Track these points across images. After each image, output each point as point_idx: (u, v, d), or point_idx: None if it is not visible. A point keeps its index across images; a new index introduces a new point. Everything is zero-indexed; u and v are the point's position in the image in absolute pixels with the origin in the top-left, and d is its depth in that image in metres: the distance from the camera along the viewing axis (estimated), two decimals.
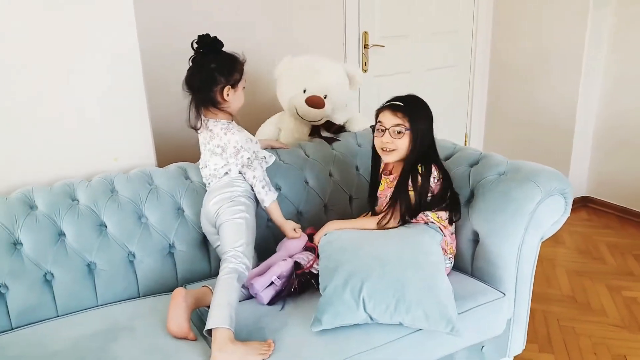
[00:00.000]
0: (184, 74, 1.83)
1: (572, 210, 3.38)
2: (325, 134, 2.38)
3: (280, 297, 1.68)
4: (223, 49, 1.78)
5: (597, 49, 3.25)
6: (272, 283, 1.69)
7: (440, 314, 1.51)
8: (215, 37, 1.77)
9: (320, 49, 2.69)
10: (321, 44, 2.97)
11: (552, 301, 2.52)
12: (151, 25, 2.37)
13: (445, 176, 1.78)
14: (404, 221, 1.74)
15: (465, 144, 3.85)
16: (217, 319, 1.48)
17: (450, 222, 1.79)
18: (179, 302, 1.54)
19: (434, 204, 1.74)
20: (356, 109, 3.20)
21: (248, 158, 1.79)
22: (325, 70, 2.34)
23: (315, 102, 2.26)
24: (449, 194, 1.77)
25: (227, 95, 1.76)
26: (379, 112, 1.80)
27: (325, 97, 2.28)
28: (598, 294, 2.56)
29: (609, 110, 3.35)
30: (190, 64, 1.78)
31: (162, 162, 2.12)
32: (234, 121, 1.83)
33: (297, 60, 2.38)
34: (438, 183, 1.75)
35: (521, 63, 3.55)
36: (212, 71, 1.73)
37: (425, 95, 1.81)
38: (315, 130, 2.37)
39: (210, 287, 1.63)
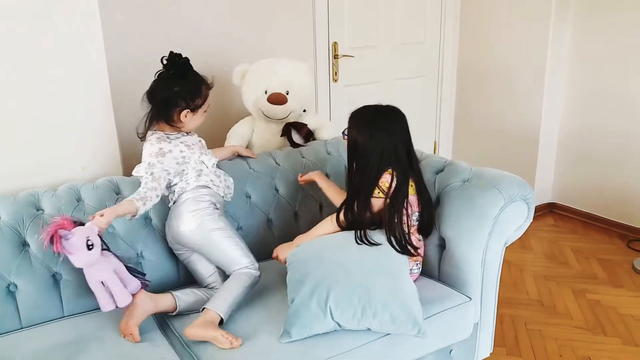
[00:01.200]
0: (150, 80, 1.83)
1: (539, 216, 3.49)
2: (295, 135, 2.40)
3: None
4: (192, 70, 1.79)
5: (559, 61, 3.36)
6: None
7: (407, 317, 1.54)
8: (187, 59, 1.78)
9: (291, 59, 2.71)
10: (292, 54, 2.97)
11: (520, 305, 2.57)
12: (118, 35, 2.37)
13: (397, 186, 1.72)
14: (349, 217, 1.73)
15: (434, 152, 3.92)
16: (218, 304, 1.60)
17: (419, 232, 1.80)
18: (136, 307, 1.58)
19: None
20: (327, 117, 3.24)
21: (136, 172, 1.77)
22: (284, 68, 2.40)
23: (276, 99, 2.31)
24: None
25: (185, 117, 1.78)
26: None
27: (287, 94, 2.32)
28: (563, 298, 2.63)
29: (572, 120, 3.45)
30: (156, 78, 1.79)
31: (128, 171, 2.10)
32: (175, 134, 1.81)
33: (255, 65, 2.42)
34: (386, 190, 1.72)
35: (487, 74, 3.64)
36: (175, 94, 1.74)
37: (394, 104, 1.82)
38: (286, 130, 2.39)
39: (174, 295, 1.64)
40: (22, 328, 1.68)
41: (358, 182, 1.75)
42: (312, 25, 3.07)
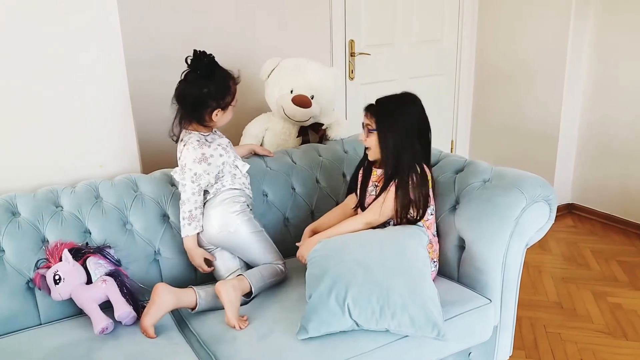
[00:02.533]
0: (169, 81, 1.82)
1: (558, 217, 3.42)
2: (312, 136, 2.38)
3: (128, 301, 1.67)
4: (219, 67, 1.77)
5: (579, 58, 3.30)
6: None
7: (426, 319, 1.51)
8: (212, 57, 1.75)
9: (308, 57, 2.69)
10: (308, 52, 2.97)
11: (539, 308, 2.53)
12: (137, 32, 2.37)
13: (419, 183, 1.74)
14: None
15: (451, 151, 3.88)
16: (254, 279, 1.71)
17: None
18: (154, 300, 1.57)
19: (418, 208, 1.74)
20: (342, 115, 3.22)
21: (181, 178, 1.76)
22: (313, 71, 2.35)
23: (301, 101, 2.26)
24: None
25: (216, 116, 1.76)
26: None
27: (312, 98, 2.28)
28: (583, 300, 2.58)
29: (592, 119, 3.39)
30: (183, 78, 1.76)
31: (147, 168, 2.11)
32: (212, 133, 1.82)
33: (284, 62, 2.39)
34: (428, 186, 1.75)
35: (505, 72, 3.59)
36: (205, 95, 1.72)
37: None
38: (303, 132, 2.37)
39: (194, 288, 1.63)
40: (40, 324, 1.69)
41: (391, 174, 1.73)
42: (328, 22, 3.05)
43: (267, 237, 1.88)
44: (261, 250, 1.83)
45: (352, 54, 3.21)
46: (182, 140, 1.80)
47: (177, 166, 1.82)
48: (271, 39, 2.81)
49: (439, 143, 3.76)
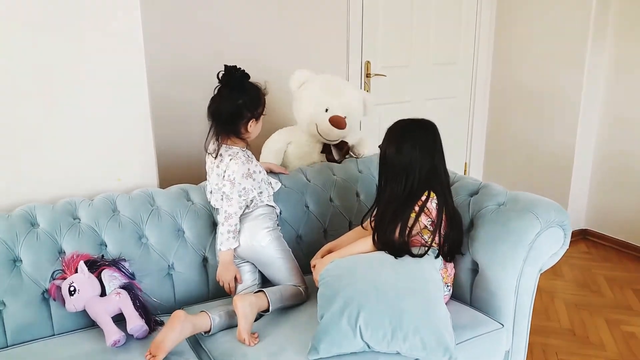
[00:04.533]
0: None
1: (571, 242, 3.38)
2: (335, 153, 2.39)
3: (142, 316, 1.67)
4: (249, 81, 1.83)
5: (596, 83, 3.31)
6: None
7: (438, 343, 1.50)
8: (243, 71, 1.81)
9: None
10: (325, 72, 3.02)
11: (551, 334, 2.50)
12: (159, 48, 2.42)
13: (447, 211, 1.74)
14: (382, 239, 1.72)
15: (465, 173, 3.88)
16: (273, 298, 1.72)
17: (445, 258, 1.76)
18: (173, 325, 1.54)
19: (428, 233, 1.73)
20: (365, 134, 3.23)
21: (230, 192, 1.79)
22: (348, 92, 2.38)
23: (338, 122, 2.28)
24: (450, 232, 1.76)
25: (250, 127, 1.82)
26: None
27: (345, 118, 2.31)
28: (597, 328, 2.55)
29: (607, 144, 3.38)
30: (216, 93, 1.82)
31: (164, 183, 2.14)
32: (247, 149, 1.87)
33: (317, 78, 2.39)
34: (434, 209, 1.73)
35: (520, 97, 3.60)
36: (240, 107, 1.79)
37: None
38: (326, 149, 2.38)
39: (209, 313, 1.62)
40: (54, 335, 1.70)
41: (387, 196, 1.74)
42: (345, 43, 3.09)
43: (293, 258, 1.91)
44: (286, 269, 1.86)
45: (367, 75, 3.25)
46: (221, 155, 1.83)
47: (199, 181, 1.89)
48: (288, 60, 2.85)
49: (452, 165, 3.76)
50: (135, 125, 2.00)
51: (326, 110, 2.30)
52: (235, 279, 1.85)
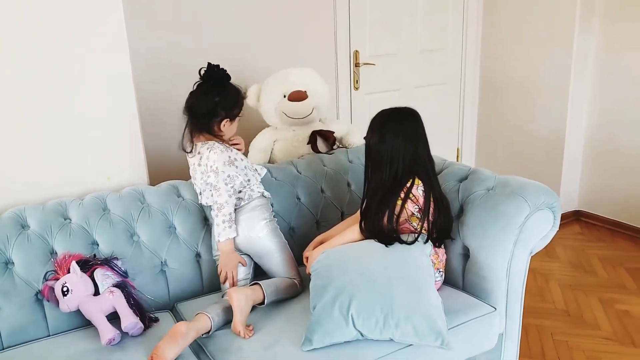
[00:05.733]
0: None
1: (564, 224, 3.43)
2: (321, 144, 2.40)
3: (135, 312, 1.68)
4: (229, 81, 1.85)
5: (584, 67, 3.31)
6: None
7: (430, 328, 1.52)
8: (224, 70, 1.83)
9: (313, 68, 2.72)
10: (313, 63, 2.99)
11: (546, 315, 2.52)
12: (144, 44, 2.42)
13: (435, 197, 1.75)
14: (369, 226, 1.74)
15: (457, 160, 3.89)
16: (269, 290, 1.73)
17: (434, 243, 1.76)
18: (176, 340, 1.51)
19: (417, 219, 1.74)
20: (354, 124, 3.24)
21: (216, 182, 1.78)
22: (297, 73, 2.44)
23: (297, 96, 2.34)
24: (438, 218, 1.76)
25: (224, 126, 1.82)
26: None
27: (305, 92, 2.36)
28: (591, 308, 2.57)
29: (598, 125, 3.39)
30: (195, 89, 1.83)
31: (154, 180, 2.14)
32: (224, 143, 1.86)
33: (266, 81, 2.46)
34: (421, 196, 1.73)
35: (510, 81, 3.60)
36: (215, 104, 1.80)
37: None
38: (312, 139, 2.39)
39: (209, 315, 1.62)
40: (49, 335, 1.71)
41: (374, 185, 1.76)
42: (333, 33, 3.08)
43: (289, 250, 1.92)
44: (283, 261, 1.87)
45: (356, 65, 3.24)
46: (199, 153, 1.84)
47: (191, 177, 1.90)
48: (276, 52, 2.85)
49: (444, 151, 3.78)
50: (123, 123, 2.00)
51: (284, 96, 2.36)
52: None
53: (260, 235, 1.84)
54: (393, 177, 1.72)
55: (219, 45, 2.67)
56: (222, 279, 1.85)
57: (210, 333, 1.62)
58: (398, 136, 1.72)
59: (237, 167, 1.84)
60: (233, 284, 1.83)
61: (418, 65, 3.51)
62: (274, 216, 1.94)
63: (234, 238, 1.84)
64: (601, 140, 3.39)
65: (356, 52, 3.22)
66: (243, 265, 1.85)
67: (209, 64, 1.82)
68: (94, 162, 1.98)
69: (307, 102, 2.36)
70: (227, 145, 1.87)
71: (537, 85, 3.45)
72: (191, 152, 1.85)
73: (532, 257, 1.86)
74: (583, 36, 3.23)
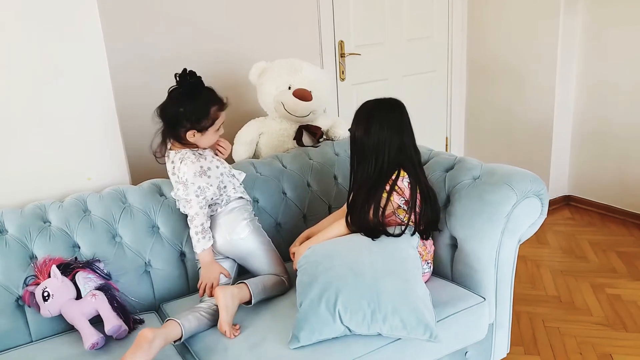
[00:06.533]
0: (156, 89, 1.81)
1: (555, 209, 3.42)
2: (307, 138, 2.36)
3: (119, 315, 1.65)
4: (208, 89, 1.76)
5: (570, 52, 3.29)
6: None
7: (418, 321, 1.50)
8: (199, 78, 1.74)
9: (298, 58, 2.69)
10: (298, 54, 2.93)
11: (537, 302, 2.51)
12: (122, 40, 2.36)
13: (421, 189, 1.73)
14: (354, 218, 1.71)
15: (446, 148, 3.86)
16: (255, 290, 1.70)
17: (421, 236, 1.74)
18: (142, 346, 1.44)
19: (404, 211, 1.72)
20: (338, 115, 3.21)
21: (186, 194, 1.73)
22: (309, 68, 2.38)
23: (302, 94, 2.27)
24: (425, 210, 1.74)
25: (193, 136, 1.74)
26: None
27: (311, 92, 2.30)
28: (582, 293, 2.56)
29: (586, 109, 3.38)
30: (168, 94, 1.76)
31: (136, 179, 2.10)
32: (198, 149, 1.79)
33: (275, 63, 2.39)
34: (407, 188, 1.71)
35: (497, 67, 3.58)
36: (180, 114, 1.71)
37: (403, 100, 1.78)
38: (299, 134, 2.35)
39: (178, 321, 1.57)
40: (32, 341, 1.67)
41: (359, 178, 1.73)
42: (317, 24, 3.04)
43: (274, 248, 1.88)
44: (268, 260, 1.83)
45: (342, 55, 3.20)
46: (170, 159, 1.79)
47: (171, 182, 1.84)
48: (260, 43, 2.80)
49: (433, 140, 3.77)
50: (101, 122, 1.95)
51: (289, 87, 2.30)
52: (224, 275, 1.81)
53: (242, 236, 1.80)
54: (379, 170, 1.69)
55: (200, 35, 2.61)
56: (201, 292, 1.79)
57: (182, 340, 1.57)
58: (383, 128, 1.69)
59: (209, 176, 1.75)
60: (211, 295, 1.76)
61: (405, 54, 3.48)
62: (255, 215, 1.90)
63: (215, 243, 1.80)
64: (590, 123, 3.37)
65: (341, 42, 3.18)
66: (226, 276, 1.81)
67: (184, 69, 1.73)
68: (73, 162, 1.93)
69: (309, 104, 2.29)
70: (202, 152, 1.78)
71: (524, 69, 3.43)
72: (162, 157, 1.80)
73: (522, 243, 1.84)
74: (569, 15, 3.20)
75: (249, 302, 1.70)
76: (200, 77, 1.74)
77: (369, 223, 1.66)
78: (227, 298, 1.62)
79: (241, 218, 1.81)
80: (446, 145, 3.87)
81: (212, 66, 2.64)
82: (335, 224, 1.76)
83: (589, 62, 3.29)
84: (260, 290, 1.73)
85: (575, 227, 3.28)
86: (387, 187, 1.67)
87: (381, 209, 1.66)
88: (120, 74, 2.11)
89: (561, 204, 3.55)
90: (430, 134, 3.72)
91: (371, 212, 1.66)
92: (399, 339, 1.54)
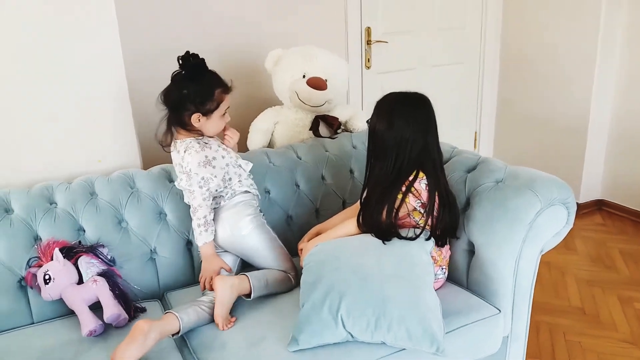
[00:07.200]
0: (170, 74, 1.75)
1: (586, 214, 3.26)
2: (324, 129, 2.28)
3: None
4: (212, 72, 1.69)
5: (611, 46, 3.10)
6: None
7: (424, 333, 1.41)
8: (202, 60, 1.67)
9: (321, 46, 2.59)
10: (322, 41, 2.84)
11: (559, 313, 2.39)
12: (136, 24, 2.32)
13: (440, 192, 1.63)
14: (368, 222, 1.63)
15: (474, 143, 3.73)
16: (256, 284, 1.64)
17: (437, 242, 1.64)
18: (136, 339, 1.39)
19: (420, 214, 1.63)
20: (359, 106, 3.11)
21: (189, 185, 1.67)
22: (325, 56, 2.29)
23: (316, 83, 2.20)
24: (437, 210, 1.64)
25: (198, 121, 1.67)
26: None
27: (326, 81, 2.22)
28: (608, 306, 2.43)
29: (624, 111, 3.19)
30: (171, 78, 1.70)
31: (149, 163, 2.05)
32: (204, 137, 1.73)
33: (291, 50, 2.32)
34: (425, 190, 1.61)
35: (532, 60, 3.41)
36: (184, 97, 1.65)
37: (431, 92, 1.69)
38: (315, 125, 2.27)
39: (176, 314, 1.52)
40: (33, 323, 1.66)
41: (376, 174, 1.65)
42: (343, 9, 2.93)
43: (280, 245, 1.81)
44: (273, 257, 1.77)
45: (368, 42, 3.09)
46: (176, 148, 1.73)
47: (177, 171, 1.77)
48: (281, 28, 2.71)
49: (462, 135, 3.64)
50: (113, 105, 1.92)
51: (303, 76, 2.22)
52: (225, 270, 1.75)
53: (243, 233, 1.73)
54: (398, 168, 1.60)
55: (220, 21, 2.54)
56: (201, 285, 1.73)
57: (179, 334, 1.53)
58: (408, 124, 1.59)
59: (214, 167, 1.69)
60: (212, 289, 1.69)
61: (434, 44, 3.34)
62: (260, 211, 1.83)
63: (217, 237, 1.73)
64: (629, 122, 3.18)
65: (368, 29, 3.06)
66: (227, 271, 1.74)
67: (187, 52, 1.66)
68: (85, 144, 1.91)
69: (324, 93, 2.21)
70: (208, 141, 1.72)
71: (561, 65, 3.25)
72: (168, 146, 1.74)
73: None
74: (612, 5, 3.00)
75: (249, 295, 1.64)
76: (203, 59, 1.67)
77: (381, 224, 1.58)
78: (226, 289, 1.57)
79: (245, 214, 1.75)
80: (475, 140, 3.73)
81: (231, 54, 2.57)
82: (346, 222, 1.69)
83: (632, 56, 3.09)
84: (262, 285, 1.67)
85: (607, 234, 3.11)
86: (403, 188, 1.58)
87: (395, 211, 1.57)
88: (130, 58, 2.06)
89: (592, 209, 3.37)
90: (458, 128, 3.59)
91: (384, 212, 1.57)
92: (404, 349, 1.46)
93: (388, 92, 1.69)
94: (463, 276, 1.77)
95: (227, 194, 1.74)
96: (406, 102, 1.64)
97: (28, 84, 1.77)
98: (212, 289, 1.65)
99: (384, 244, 1.56)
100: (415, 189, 1.58)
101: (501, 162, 1.83)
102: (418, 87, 1.73)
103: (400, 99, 1.65)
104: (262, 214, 1.83)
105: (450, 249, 1.75)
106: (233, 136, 1.81)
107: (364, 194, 1.69)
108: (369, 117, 1.69)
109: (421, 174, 1.60)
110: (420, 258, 1.54)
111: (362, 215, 1.64)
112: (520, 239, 1.63)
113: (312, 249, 1.62)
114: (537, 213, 1.61)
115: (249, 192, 1.79)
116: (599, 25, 3.01)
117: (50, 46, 1.77)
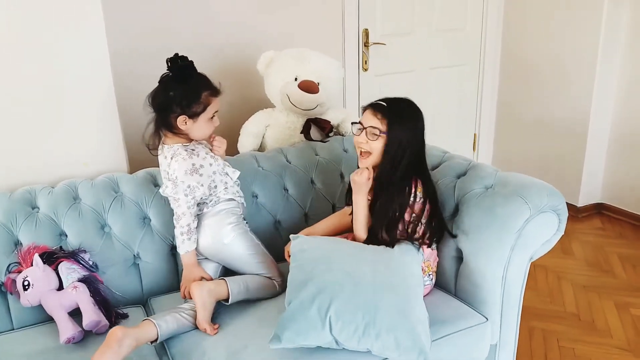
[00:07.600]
0: (160, 72, 1.72)
1: (584, 217, 3.21)
2: (315, 133, 2.25)
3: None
4: (200, 74, 1.66)
5: (612, 49, 3.05)
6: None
7: (413, 344, 1.37)
8: (190, 62, 1.64)
9: (318, 48, 2.56)
10: (318, 43, 2.83)
11: (554, 318, 2.35)
12: (123, 25, 2.29)
13: (431, 197, 1.63)
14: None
15: (474, 145, 3.68)
16: (235, 289, 1.62)
17: (429, 245, 1.64)
18: (111, 346, 1.37)
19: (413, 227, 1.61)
20: (352, 109, 3.07)
21: (174, 193, 1.64)
22: (317, 58, 2.26)
23: (308, 86, 2.16)
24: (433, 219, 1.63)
25: (185, 124, 1.64)
26: (364, 109, 1.67)
27: (318, 84, 2.18)
28: (604, 312, 2.38)
29: (624, 113, 3.14)
30: (159, 81, 1.67)
31: (137, 165, 2.03)
32: (192, 143, 1.70)
33: (283, 52, 2.29)
34: (419, 202, 1.60)
35: (533, 63, 3.36)
36: (170, 99, 1.62)
37: (430, 94, 1.69)
38: (307, 128, 2.24)
39: (154, 321, 1.49)
40: (13, 329, 1.64)
41: (379, 179, 1.62)
42: (340, 10, 2.90)
43: (264, 252, 1.78)
44: (256, 264, 1.74)
45: (365, 44, 3.05)
46: (163, 153, 1.69)
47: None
48: (277, 29, 2.68)
49: (460, 138, 3.60)
50: (99, 108, 1.89)
51: (295, 79, 2.18)
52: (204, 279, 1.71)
53: (225, 241, 1.70)
54: (401, 175, 1.59)
55: (210, 21, 2.51)
56: (182, 294, 1.70)
57: (158, 341, 1.50)
58: (408, 129, 1.59)
59: (201, 174, 1.66)
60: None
61: (434, 45, 3.30)
62: (244, 218, 1.79)
63: (199, 245, 1.71)
64: (629, 125, 3.13)
65: (366, 30, 3.03)
66: (207, 280, 1.70)
67: (175, 54, 1.64)
68: (70, 147, 1.88)
69: (316, 96, 2.18)
70: (195, 147, 1.69)
71: (561, 68, 3.21)
72: (155, 150, 1.71)
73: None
74: (614, 6, 2.96)
75: (227, 300, 1.61)
76: (191, 61, 1.65)
77: (379, 242, 1.58)
78: (204, 294, 1.55)
79: (226, 222, 1.71)
80: (474, 143, 3.69)
81: (225, 55, 2.55)
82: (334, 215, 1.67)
83: (633, 60, 3.04)
84: (241, 290, 1.64)
85: (605, 238, 3.06)
86: (405, 204, 1.58)
87: (396, 231, 1.58)
88: (117, 60, 2.03)
89: (592, 212, 3.32)
90: (457, 130, 3.55)
91: (383, 232, 1.58)
92: (387, 359, 1.43)
93: (383, 98, 1.66)
94: (451, 283, 1.74)
95: (210, 201, 1.72)
96: (403, 105, 1.63)
97: (11, 85, 1.75)
98: (192, 297, 1.62)
99: (378, 249, 1.55)
100: (412, 202, 1.59)
101: (492, 167, 1.80)
102: (416, 89, 1.71)
103: (398, 102, 1.63)
104: (245, 222, 1.80)
105: (438, 255, 1.72)
106: (221, 145, 1.77)
107: (370, 202, 1.65)
108: (356, 121, 1.66)
109: (419, 187, 1.60)
110: (412, 269, 1.52)
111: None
112: (509, 247, 1.60)
113: (306, 242, 1.58)
114: (526, 220, 1.57)
115: (234, 199, 1.76)
116: (600, 29, 2.97)
117: (35, 47, 1.75)
